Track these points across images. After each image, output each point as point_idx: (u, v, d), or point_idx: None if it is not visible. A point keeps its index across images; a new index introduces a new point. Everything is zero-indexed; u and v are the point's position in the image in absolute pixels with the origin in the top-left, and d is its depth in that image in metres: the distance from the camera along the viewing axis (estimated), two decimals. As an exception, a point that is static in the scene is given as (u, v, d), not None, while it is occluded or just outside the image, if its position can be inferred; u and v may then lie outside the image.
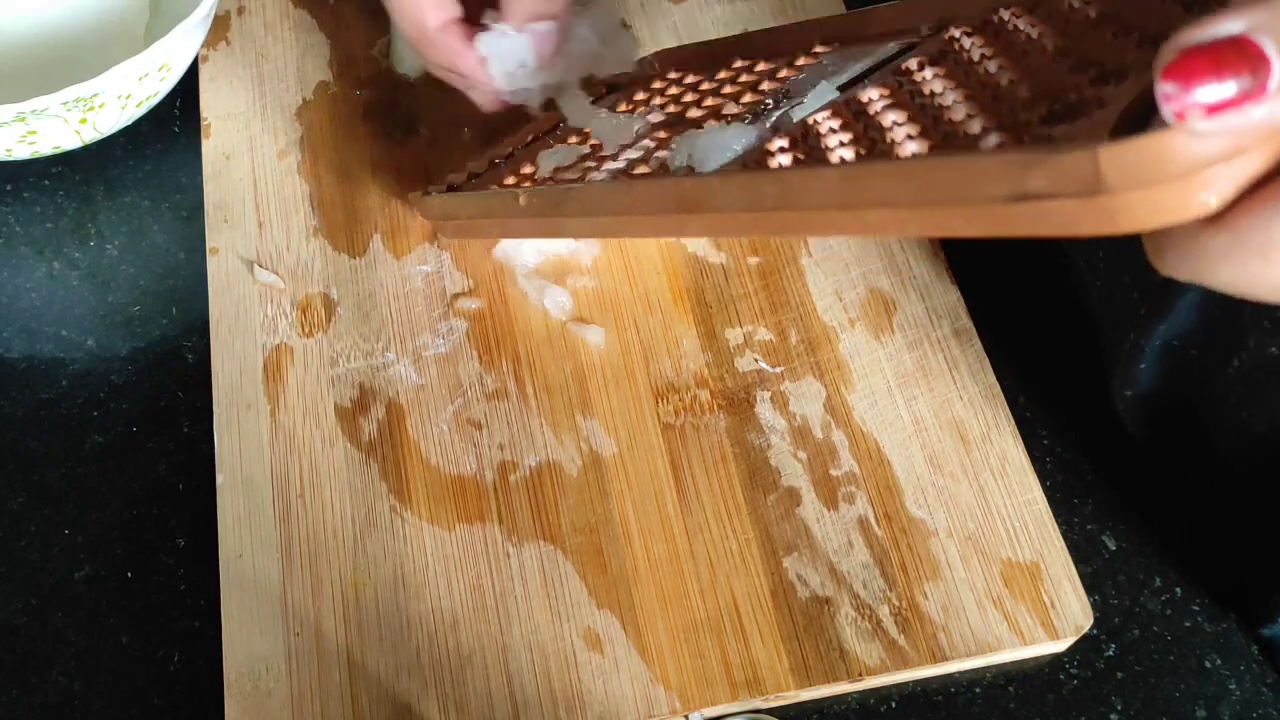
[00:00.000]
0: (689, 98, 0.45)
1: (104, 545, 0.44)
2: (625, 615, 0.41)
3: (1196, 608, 0.43)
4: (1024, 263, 0.48)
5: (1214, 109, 0.21)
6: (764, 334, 0.47)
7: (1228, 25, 0.21)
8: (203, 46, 0.55)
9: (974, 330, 0.47)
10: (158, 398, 0.47)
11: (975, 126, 0.29)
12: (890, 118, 0.32)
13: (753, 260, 0.49)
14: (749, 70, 0.44)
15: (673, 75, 0.48)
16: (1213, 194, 0.22)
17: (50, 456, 0.46)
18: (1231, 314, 0.37)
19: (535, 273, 0.48)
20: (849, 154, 0.32)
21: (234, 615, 0.41)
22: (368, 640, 0.41)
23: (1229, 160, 0.22)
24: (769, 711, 0.40)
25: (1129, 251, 0.41)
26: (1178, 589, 0.43)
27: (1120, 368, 0.42)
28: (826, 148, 0.33)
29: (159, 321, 0.49)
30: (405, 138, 0.53)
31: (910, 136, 0.31)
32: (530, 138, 0.49)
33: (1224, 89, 0.21)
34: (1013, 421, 0.45)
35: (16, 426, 0.47)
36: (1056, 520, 0.43)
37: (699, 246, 0.49)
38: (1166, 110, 0.21)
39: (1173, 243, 0.24)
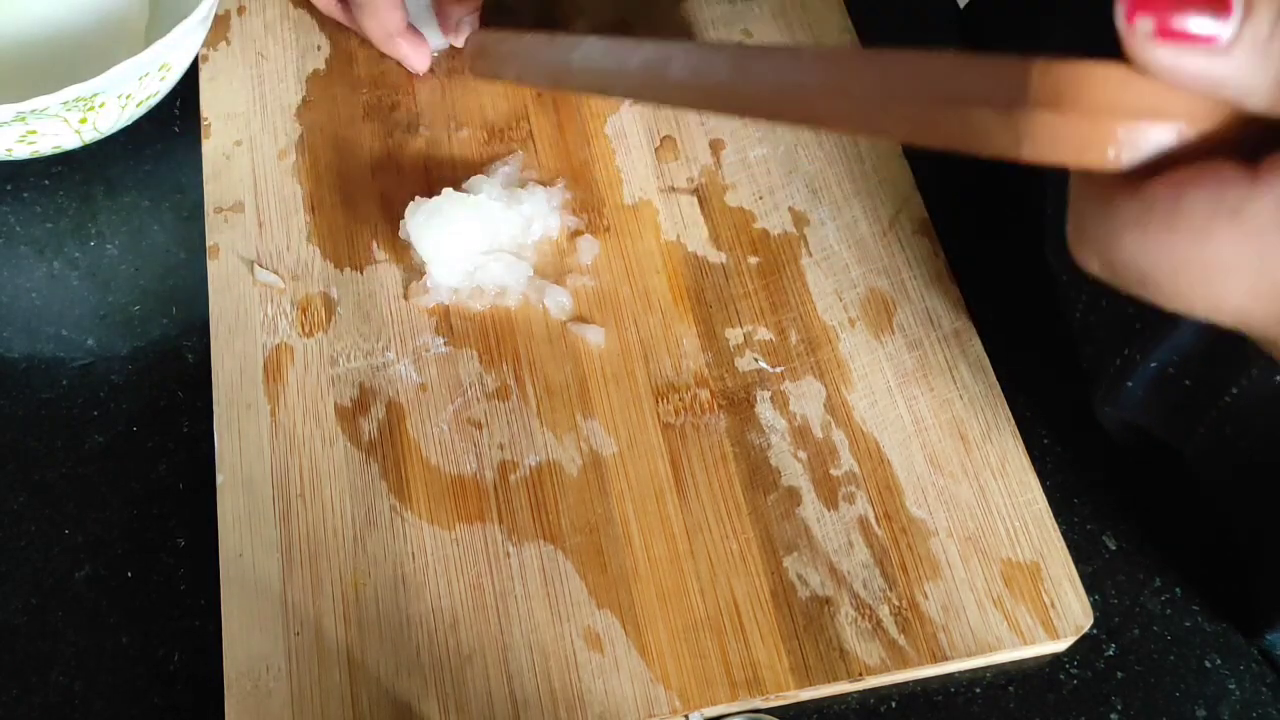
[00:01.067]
0: None
1: (104, 545, 0.44)
2: (625, 615, 0.41)
3: (1196, 608, 0.43)
4: (1025, 262, 0.48)
5: (1163, 32, 0.21)
6: (764, 333, 0.47)
7: None
8: (203, 46, 0.55)
9: (974, 330, 0.47)
10: (158, 397, 0.47)
11: None
12: None
13: (753, 260, 0.49)
14: None
15: None
16: (1117, 148, 0.22)
17: (50, 456, 0.46)
18: (1236, 341, 0.37)
19: (535, 273, 0.48)
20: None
21: (234, 615, 0.41)
22: (368, 640, 0.41)
23: (1141, 119, 0.22)
24: (769, 711, 0.40)
25: None
26: (1178, 589, 0.43)
27: (1105, 384, 0.42)
28: None
29: (159, 321, 0.49)
30: (405, 138, 0.53)
31: None
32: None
33: (1180, 19, 0.21)
34: (1013, 421, 0.45)
35: (17, 426, 0.47)
36: (1056, 520, 0.43)
37: (699, 246, 0.49)
38: (1119, 11, 0.21)
39: (1088, 212, 0.24)
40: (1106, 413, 0.43)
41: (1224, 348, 0.37)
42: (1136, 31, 0.21)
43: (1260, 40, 0.21)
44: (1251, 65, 0.21)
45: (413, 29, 0.53)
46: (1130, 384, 0.41)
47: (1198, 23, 0.21)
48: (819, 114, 0.29)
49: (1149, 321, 0.39)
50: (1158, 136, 0.22)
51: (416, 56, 0.54)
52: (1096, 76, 0.22)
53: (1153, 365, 0.40)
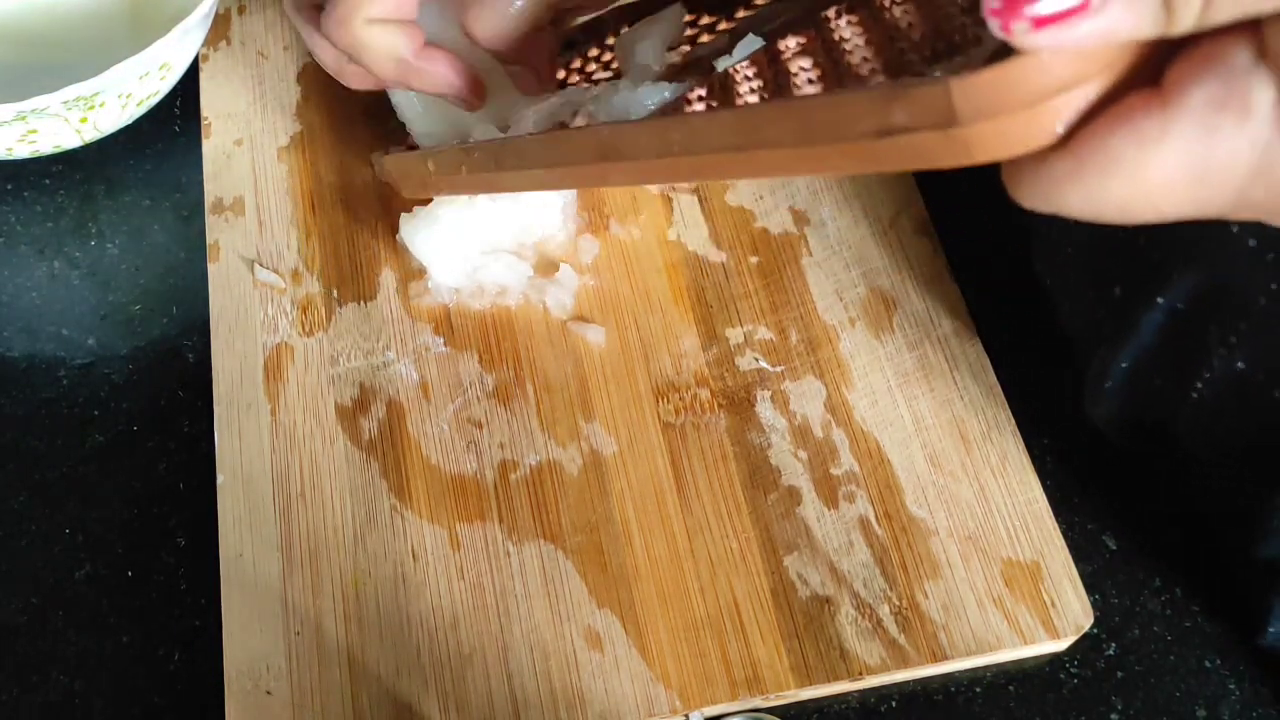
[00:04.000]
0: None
1: (104, 544, 0.44)
2: (625, 614, 0.41)
3: (1196, 607, 0.43)
4: (1025, 261, 0.48)
5: (1040, 22, 0.21)
6: (764, 333, 0.47)
7: None
8: (203, 45, 0.55)
9: (974, 329, 0.47)
10: (158, 397, 0.47)
11: (866, 70, 0.30)
12: (798, 64, 0.33)
13: (753, 259, 0.49)
14: (693, 25, 0.44)
15: (625, 30, 0.48)
16: (1059, 122, 0.23)
17: (51, 455, 0.46)
18: (1195, 335, 0.37)
19: (536, 272, 0.48)
20: (754, 100, 0.33)
21: (234, 614, 0.41)
22: (368, 639, 0.41)
23: (1071, 89, 0.23)
24: (769, 710, 0.40)
25: (1092, 268, 0.41)
26: (1178, 589, 0.43)
27: (1088, 386, 0.42)
28: (738, 94, 0.33)
29: (159, 320, 0.49)
30: (406, 136, 0.53)
31: (810, 82, 0.31)
32: None
33: (1049, 3, 0.21)
34: (1013, 420, 0.45)
35: (17, 425, 0.47)
36: (1057, 519, 0.43)
37: (699, 245, 0.49)
38: (993, 24, 0.22)
39: (1024, 171, 0.24)
40: (1096, 413, 0.43)
41: (1184, 341, 0.38)
42: (1015, 33, 0.22)
43: None
44: (1130, 12, 0.22)
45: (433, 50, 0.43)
46: (1109, 384, 0.41)
47: (1066, 2, 0.21)
48: (761, 169, 0.29)
49: (1117, 323, 0.39)
50: (1086, 94, 0.23)
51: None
52: (1011, 76, 0.22)
53: (1123, 365, 0.40)
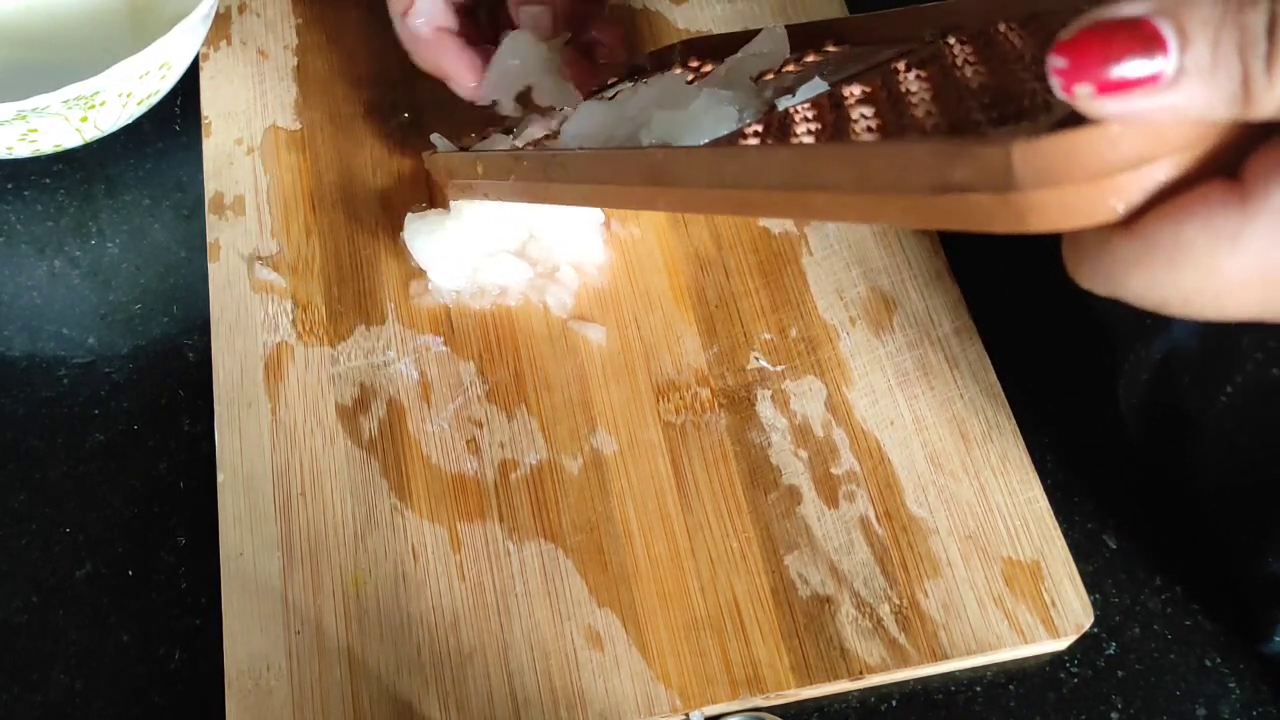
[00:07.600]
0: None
1: (105, 543, 0.44)
2: (626, 613, 0.41)
3: (1197, 606, 0.43)
4: (1025, 261, 0.48)
5: (1105, 88, 0.21)
6: (765, 332, 0.47)
7: (1131, 7, 0.21)
8: (203, 45, 0.55)
9: (975, 328, 0.47)
10: (159, 396, 0.47)
11: (929, 125, 0.29)
12: (859, 111, 0.32)
13: (753, 258, 0.49)
14: None
15: (693, 63, 0.48)
16: (1121, 200, 0.22)
17: (51, 455, 0.46)
18: (1230, 337, 0.37)
19: (538, 273, 0.48)
20: (810, 141, 0.32)
21: (235, 613, 0.41)
22: (368, 638, 0.41)
23: (1138, 167, 0.22)
24: (769, 710, 0.40)
25: None
26: (1178, 587, 0.43)
27: (1125, 376, 0.42)
28: (794, 134, 0.33)
29: (160, 320, 0.49)
30: (406, 135, 0.53)
31: (870, 129, 0.31)
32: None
33: (1117, 69, 0.21)
34: (1013, 420, 0.45)
35: (18, 425, 0.47)
36: (1057, 518, 0.43)
37: (700, 244, 0.49)
38: (1056, 84, 0.21)
39: (1086, 251, 0.23)
40: (1132, 405, 0.43)
41: (1220, 341, 0.37)
42: (1078, 96, 0.21)
43: (1204, 68, 0.21)
44: (1205, 90, 0.21)
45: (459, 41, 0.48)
46: (1145, 377, 0.41)
47: (1135, 67, 0.21)
48: (812, 211, 0.29)
49: (1154, 315, 0.39)
50: (1154, 176, 0.22)
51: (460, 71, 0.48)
52: (1076, 146, 0.21)
53: (1158, 357, 0.40)
